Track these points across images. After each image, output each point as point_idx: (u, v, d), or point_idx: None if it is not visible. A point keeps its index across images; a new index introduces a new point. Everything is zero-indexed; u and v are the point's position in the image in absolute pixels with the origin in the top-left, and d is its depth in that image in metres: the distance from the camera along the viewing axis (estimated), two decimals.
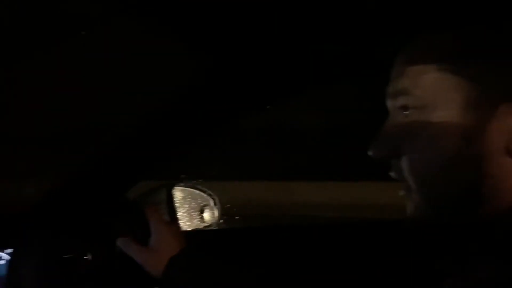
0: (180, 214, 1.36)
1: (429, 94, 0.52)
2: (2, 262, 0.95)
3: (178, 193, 1.35)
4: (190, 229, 1.38)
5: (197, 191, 1.41)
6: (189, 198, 1.39)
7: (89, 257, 0.94)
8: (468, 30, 0.52)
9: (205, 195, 1.42)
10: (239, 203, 1.60)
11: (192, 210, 1.40)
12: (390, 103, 0.57)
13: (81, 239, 0.96)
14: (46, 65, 0.94)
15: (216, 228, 1.43)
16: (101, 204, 0.98)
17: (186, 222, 1.39)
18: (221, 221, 1.45)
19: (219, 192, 1.46)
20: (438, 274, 0.54)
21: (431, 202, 0.53)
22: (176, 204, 1.35)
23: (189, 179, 1.42)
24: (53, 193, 1.00)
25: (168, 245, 0.88)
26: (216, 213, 1.44)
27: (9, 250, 0.96)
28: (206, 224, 1.43)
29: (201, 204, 1.42)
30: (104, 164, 0.99)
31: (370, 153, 0.58)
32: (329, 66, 0.97)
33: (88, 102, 0.96)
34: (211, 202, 1.44)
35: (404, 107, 0.55)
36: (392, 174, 0.57)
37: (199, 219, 1.42)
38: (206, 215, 1.43)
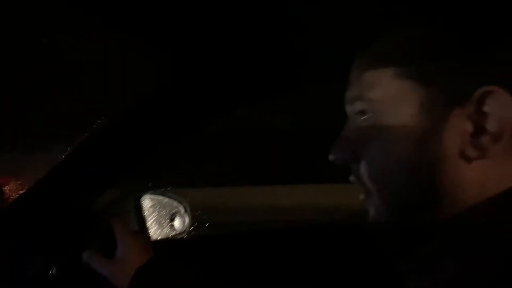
0: (149, 222, 1.34)
1: (385, 98, 0.53)
2: None
3: (146, 201, 1.33)
4: (160, 238, 1.36)
5: (167, 199, 1.39)
6: (158, 206, 1.38)
7: (53, 271, 0.92)
8: (421, 33, 0.53)
9: (175, 203, 1.41)
10: (210, 210, 1.59)
11: (162, 218, 1.38)
12: (348, 108, 0.58)
13: (45, 253, 0.93)
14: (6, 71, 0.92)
15: (187, 236, 1.42)
16: (66, 216, 0.96)
17: (156, 231, 1.37)
18: (191, 228, 1.43)
19: (190, 199, 1.44)
20: (400, 274, 0.55)
21: (390, 206, 0.54)
22: (145, 213, 1.34)
23: (158, 186, 1.40)
24: (15, 205, 0.97)
25: (135, 256, 0.86)
26: (187, 220, 1.42)
27: None
28: (177, 232, 1.41)
29: (171, 212, 1.40)
30: (68, 173, 0.97)
31: (330, 157, 0.58)
32: (296, 71, 0.97)
33: (52, 108, 0.94)
34: (182, 209, 1.42)
35: (362, 112, 0.55)
36: (351, 178, 0.58)
37: (170, 228, 1.40)
38: (177, 223, 1.41)
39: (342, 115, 0.62)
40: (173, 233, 1.39)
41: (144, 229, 1.29)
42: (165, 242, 1.34)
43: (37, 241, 0.94)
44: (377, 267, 0.84)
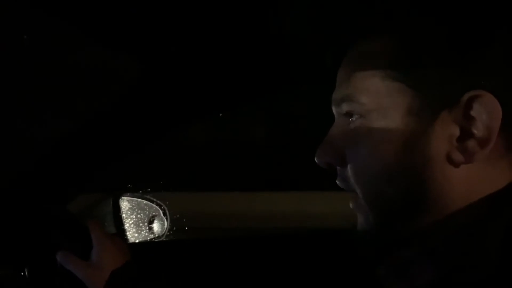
0: (127, 225, 1.32)
1: (373, 100, 0.52)
2: None
3: (125, 203, 1.31)
4: (138, 241, 1.33)
5: (145, 201, 1.37)
6: (136, 208, 1.35)
7: (25, 273, 0.88)
8: (409, 35, 0.52)
9: (153, 205, 1.39)
10: (190, 214, 1.57)
11: (140, 221, 1.36)
12: (335, 110, 0.57)
13: (16, 253, 0.90)
14: None
15: (165, 239, 1.40)
16: (39, 216, 0.93)
17: (134, 234, 1.35)
18: (170, 232, 1.41)
19: (169, 202, 1.42)
20: (379, 279, 0.54)
21: (377, 211, 0.53)
22: (123, 215, 1.31)
23: (136, 189, 1.38)
24: None
25: (111, 259, 0.83)
26: (166, 223, 1.41)
27: None
28: (155, 236, 1.39)
29: (150, 215, 1.38)
30: (41, 173, 0.94)
31: (315, 160, 0.57)
32: (274, 74, 0.96)
33: (25, 108, 0.91)
34: (161, 212, 1.40)
35: (349, 114, 0.54)
36: (338, 182, 0.57)
37: (148, 230, 1.38)
38: (155, 226, 1.39)
39: (322, 122, 0.61)
40: (152, 236, 1.36)
41: (121, 231, 1.27)
42: (143, 245, 1.31)
43: (8, 242, 0.91)
44: (360, 273, 0.83)
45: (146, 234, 1.37)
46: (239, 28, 0.82)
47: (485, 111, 0.48)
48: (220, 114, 1.08)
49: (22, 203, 0.94)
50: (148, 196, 1.39)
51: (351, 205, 0.56)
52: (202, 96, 0.97)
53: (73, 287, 0.85)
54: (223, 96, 1.00)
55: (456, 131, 0.49)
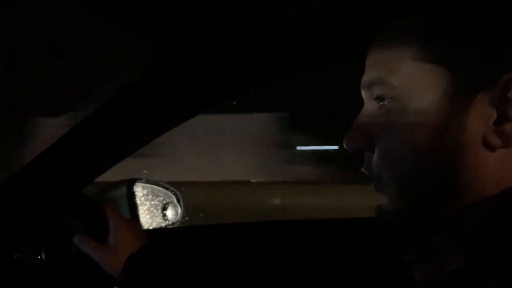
0: (141, 211, 1.31)
1: (405, 83, 0.50)
2: None
3: (139, 189, 1.30)
4: (152, 227, 1.33)
5: (160, 188, 1.37)
6: (150, 194, 1.35)
7: (42, 256, 0.88)
8: (443, 14, 0.50)
9: (168, 192, 1.38)
10: (203, 201, 1.57)
11: (154, 207, 1.35)
12: (364, 93, 0.55)
13: (34, 236, 0.90)
14: None
15: (179, 226, 1.39)
16: (56, 200, 0.92)
17: (147, 220, 1.34)
18: (184, 219, 1.41)
19: (184, 189, 1.42)
20: (407, 266, 0.53)
21: (406, 195, 0.52)
22: (137, 201, 1.31)
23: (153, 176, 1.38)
24: (3, 188, 0.94)
25: (128, 243, 0.83)
26: (179, 210, 1.40)
27: None
28: (169, 222, 1.38)
29: (164, 201, 1.38)
30: (57, 157, 0.93)
31: (343, 145, 0.55)
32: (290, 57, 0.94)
33: (40, 91, 0.91)
34: (174, 199, 1.40)
35: (379, 97, 0.53)
36: (363, 169, 0.55)
37: (162, 217, 1.37)
38: (169, 213, 1.39)
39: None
40: (165, 223, 1.36)
41: (136, 217, 1.27)
42: (158, 231, 1.31)
43: (26, 225, 0.91)
44: (382, 259, 0.82)
45: (160, 220, 1.37)
46: (253, 14, 0.81)
47: None
48: (234, 103, 1.07)
49: (39, 187, 0.94)
50: (162, 183, 1.39)
51: (372, 186, 0.55)
52: (216, 84, 0.96)
53: (90, 270, 0.85)
54: (238, 84, 0.99)
55: (493, 114, 0.47)
